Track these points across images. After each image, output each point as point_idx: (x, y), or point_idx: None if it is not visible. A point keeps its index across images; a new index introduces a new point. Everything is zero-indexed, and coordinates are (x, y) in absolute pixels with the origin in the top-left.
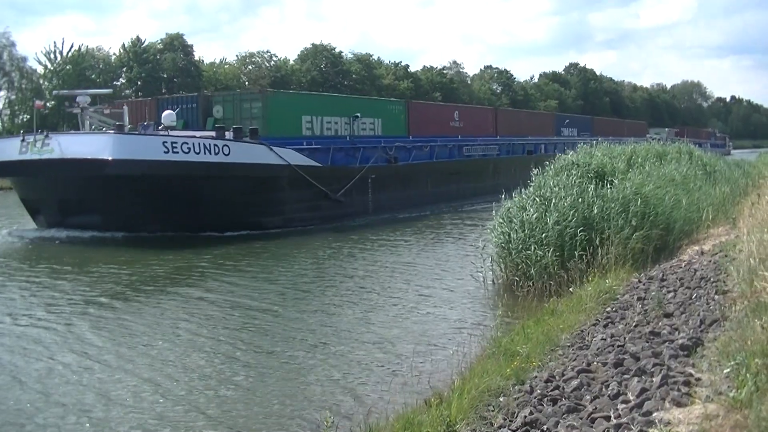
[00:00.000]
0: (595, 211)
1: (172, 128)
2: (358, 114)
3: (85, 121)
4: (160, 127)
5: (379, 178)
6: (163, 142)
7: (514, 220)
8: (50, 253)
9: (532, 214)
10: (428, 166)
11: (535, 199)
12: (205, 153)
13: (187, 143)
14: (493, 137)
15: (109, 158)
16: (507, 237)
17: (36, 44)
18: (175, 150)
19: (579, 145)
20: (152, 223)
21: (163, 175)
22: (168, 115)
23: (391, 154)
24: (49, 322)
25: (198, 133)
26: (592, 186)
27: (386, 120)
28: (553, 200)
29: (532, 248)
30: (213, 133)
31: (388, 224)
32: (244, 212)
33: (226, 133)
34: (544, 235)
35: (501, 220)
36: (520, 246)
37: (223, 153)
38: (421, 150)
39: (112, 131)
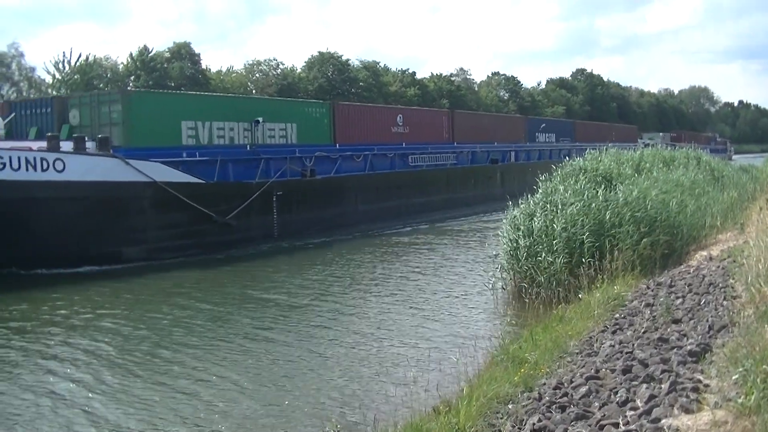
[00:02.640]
0: (608, 217)
1: None
2: (260, 119)
3: None
4: None
5: (288, 196)
6: None
7: (522, 227)
8: None
9: (540, 221)
10: (359, 179)
11: (544, 206)
12: (27, 169)
13: (2, 157)
14: (448, 144)
15: None
16: (515, 244)
17: (45, 53)
18: None
19: (587, 154)
20: None
21: None
22: None
23: (309, 166)
24: None
25: (35, 144)
26: (602, 191)
27: (304, 125)
28: (561, 206)
29: (542, 255)
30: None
31: (294, 252)
32: (93, 243)
33: (63, 143)
34: (553, 241)
35: (509, 227)
36: (529, 253)
37: (55, 169)
38: (351, 160)
39: None
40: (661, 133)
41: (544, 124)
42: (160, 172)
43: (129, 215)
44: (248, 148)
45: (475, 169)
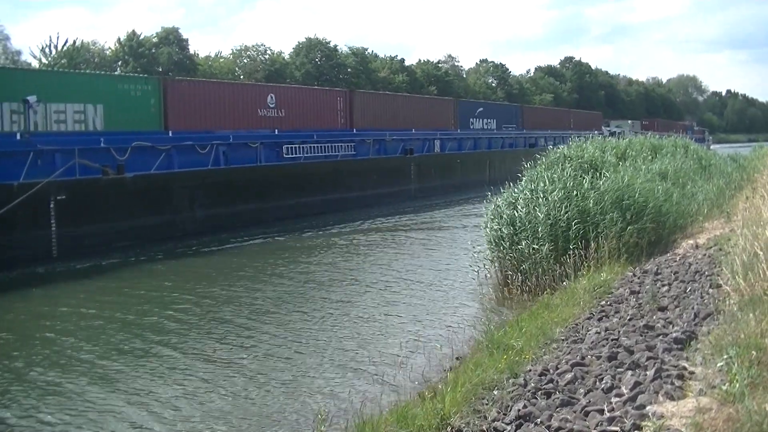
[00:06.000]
0: (591, 204)
1: None
2: (32, 97)
3: None
4: None
5: (77, 200)
6: None
7: (505, 215)
8: None
9: (523, 209)
10: (198, 176)
11: (526, 193)
12: None
13: None
14: (345, 131)
15: None
16: (499, 232)
17: (33, 37)
18: None
19: (569, 144)
20: None
21: None
22: None
23: (120, 160)
24: None
25: None
26: (588, 177)
27: (115, 107)
28: (542, 194)
29: (525, 243)
30: None
31: (77, 278)
32: None
33: None
34: (538, 228)
35: (492, 216)
36: (513, 240)
37: None
38: (191, 152)
39: None
40: (630, 121)
41: (481, 108)
42: None
43: None
44: (18, 137)
45: (379, 161)
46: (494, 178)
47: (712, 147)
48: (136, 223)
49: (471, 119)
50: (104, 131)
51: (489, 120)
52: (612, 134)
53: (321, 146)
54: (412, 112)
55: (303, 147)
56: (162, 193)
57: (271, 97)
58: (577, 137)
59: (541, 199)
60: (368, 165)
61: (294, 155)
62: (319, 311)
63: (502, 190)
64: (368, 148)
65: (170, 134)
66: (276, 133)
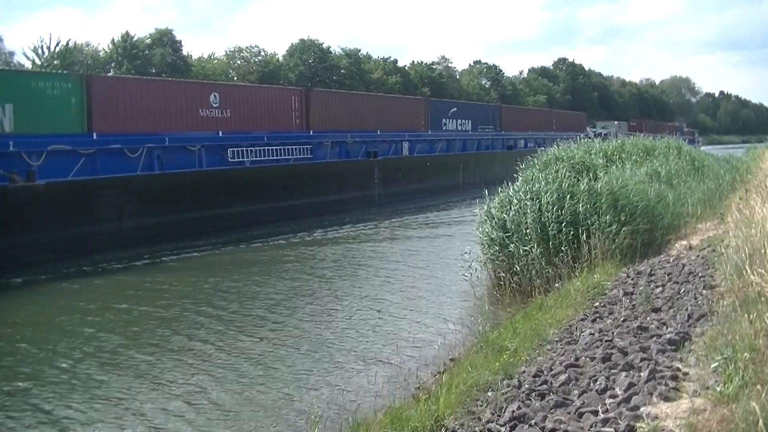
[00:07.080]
0: (581, 208)
1: None
2: None
3: None
4: None
5: None
6: None
7: (497, 217)
8: None
9: (515, 210)
10: (127, 183)
11: (520, 195)
12: None
13: None
14: (300, 133)
15: None
16: (491, 234)
17: (27, 39)
18: None
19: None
20: None
21: None
22: None
23: (33, 166)
24: None
25: None
26: (585, 180)
27: (28, 107)
28: (534, 195)
29: (517, 244)
30: None
31: None
32: None
33: None
34: (528, 230)
35: (485, 218)
36: (503, 244)
37: None
38: (120, 156)
39: None
40: (616, 122)
41: (454, 108)
42: None
43: None
44: None
45: (339, 165)
46: (469, 182)
47: (702, 149)
48: (49, 236)
49: (444, 120)
50: (14, 133)
51: (463, 121)
52: (598, 136)
53: (272, 149)
54: (378, 113)
55: (251, 150)
56: (82, 202)
57: (215, 96)
58: (561, 139)
59: (530, 202)
60: (326, 169)
61: (240, 159)
62: (303, 318)
63: (481, 195)
64: (326, 151)
65: (94, 137)
66: (220, 135)
